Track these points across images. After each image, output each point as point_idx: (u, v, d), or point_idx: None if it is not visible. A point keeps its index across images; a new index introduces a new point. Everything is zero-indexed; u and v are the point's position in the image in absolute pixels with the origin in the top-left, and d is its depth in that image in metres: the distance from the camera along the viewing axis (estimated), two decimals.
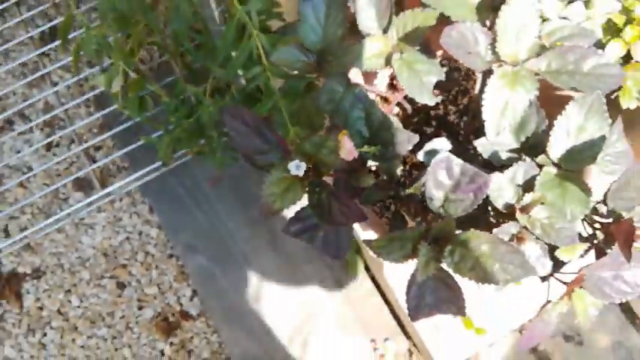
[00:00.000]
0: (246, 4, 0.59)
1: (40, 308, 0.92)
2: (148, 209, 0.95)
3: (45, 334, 0.91)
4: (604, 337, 0.88)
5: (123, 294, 0.92)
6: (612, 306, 0.90)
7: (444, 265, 0.47)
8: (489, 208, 0.49)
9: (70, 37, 0.82)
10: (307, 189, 0.45)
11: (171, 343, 0.90)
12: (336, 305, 0.88)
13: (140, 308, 0.91)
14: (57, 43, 0.96)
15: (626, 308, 0.90)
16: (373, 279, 0.90)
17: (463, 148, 0.56)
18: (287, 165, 0.45)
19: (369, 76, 0.62)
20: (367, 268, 0.90)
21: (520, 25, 0.48)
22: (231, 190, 0.92)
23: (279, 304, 0.88)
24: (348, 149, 0.43)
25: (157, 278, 0.92)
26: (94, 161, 0.96)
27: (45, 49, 0.95)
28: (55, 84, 1.00)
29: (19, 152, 0.98)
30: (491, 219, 0.51)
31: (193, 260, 0.91)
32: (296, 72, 0.52)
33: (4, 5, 1.00)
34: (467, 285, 0.49)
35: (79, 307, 0.92)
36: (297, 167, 0.45)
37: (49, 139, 0.94)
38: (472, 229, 0.47)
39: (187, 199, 0.92)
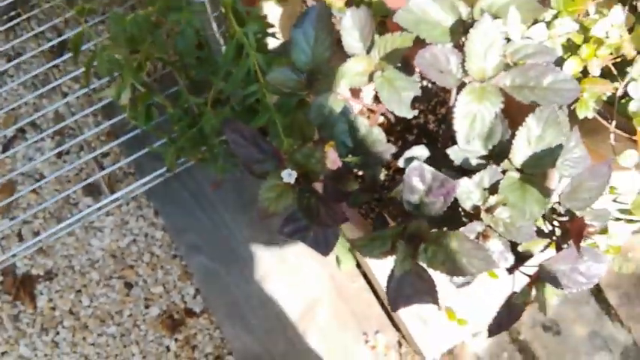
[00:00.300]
0: (244, 27, 0.65)
1: (53, 308, 0.98)
2: (153, 212, 1.01)
3: (58, 333, 0.97)
4: (581, 327, 0.95)
5: (130, 293, 0.98)
6: (588, 297, 0.96)
7: (419, 261, 0.53)
8: (460, 209, 0.55)
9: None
10: (298, 194, 0.51)
11: (177, 339, 0.96)
12: (331, 301, 0.95)
13: (147, 307, 0.97)
14: (66, 56, 1.02)
15: (601, 299, 0.96)
16: (365, 276, 0.96)
17: (441, 154, 0.62)
18: (280, 173, 0.51)
19: (357, 91, 0.68)
20: (359, 266, 0.97)
21: (487, 45, 0.55)
22: (232, 193, 0.98)
23: (278, 300, 0.94)
24: (332, 159, 0.49)
25: (162, 278, 0.98)
26: (102, 168, 1.02)
27: (55, 62, 1.01)
28: (65, 95, 1.06)
29: (31, 160, 1.04)
30: (463, 218, 0.57)
31: (196, 260, 0.97)
32: (289, 89, 0.58)
33: (17, 21, 1.07)
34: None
35: (89, 306, 0.98)
36: (289, 175, 0.51)
37: (59, 148, 1.00)
38: (444, 228, 0.54)
39: (190, 203, 0.99)
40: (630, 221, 0.63)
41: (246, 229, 0.97)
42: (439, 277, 0.54)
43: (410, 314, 0.89)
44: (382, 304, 0.95)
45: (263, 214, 0.52)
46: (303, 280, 0.95)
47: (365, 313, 0.94)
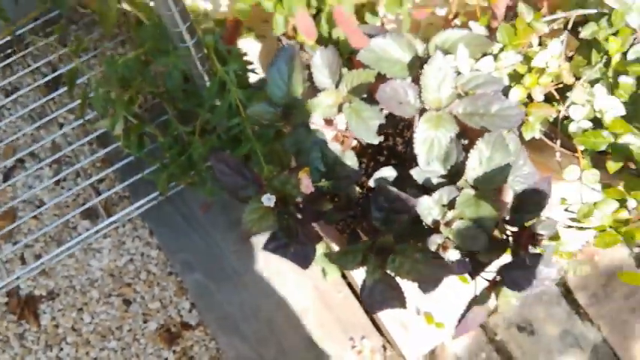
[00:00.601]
0: (225, 65, 0.72)
1: (56, 326, 1.04)
2: (148, 233, 1.07)
3: (61, 349, 1.03)
4: (553, 326, 1.01)
5: (129, 309, 1.04)
6: (559, 298, 1.03)
7: (388, 271, 0.60)
8: (423, 223, 0.62)
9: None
10: (277, 216, 0.57)
11: (174, 351, 1.02)
12: (318, 309, 1.01)
13: (145, 321, 1.03)
14: (61, 90, 1.08)
15: (571, 300, 1.03)
16: (350, 285, 1.03)
17: (408, 174, 0.69)
18: (261, 198, 0.58)
19: (330, 120, 0.75)
20: (344, 276, 1.03)
21: (440, 78, 0.62)
22: (221, 213, 1.04)
23: (268, 310, 1.01)
24: (306, 184, 0.56)
25: (158, 294, 1.04)
26: (99, 193, 1.08)
27: (51, 96, 1.07)
28: (61, 126, 1.12)
29: (31, 188, 1.10)
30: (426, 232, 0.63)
31: (190, 276, 1.03)
32: (267, 121, 0.65)
33: (13, 58, 1.13)
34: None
35: (90, 323, 1.03)
36: (269, 199, 0.58)
37: (57, 176, 1.06)
38: (411, 241, 0.60)
39: (183, 223, 1.05)
40: (581, 228, 0.70)
41: (235, 247, 1.04)
42: (414, 286, 0.61)
43: (391, 320, 0.96)
44: (367, 311, 1.01)
45: (246, 235, 0.59)
46: (292, 291, 1.02)
47: (351, 320, 1.01)
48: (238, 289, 1.02)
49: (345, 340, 1.00)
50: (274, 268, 1.02)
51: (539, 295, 1.03)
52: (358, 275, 0.99)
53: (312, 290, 1.02)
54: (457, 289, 0.82)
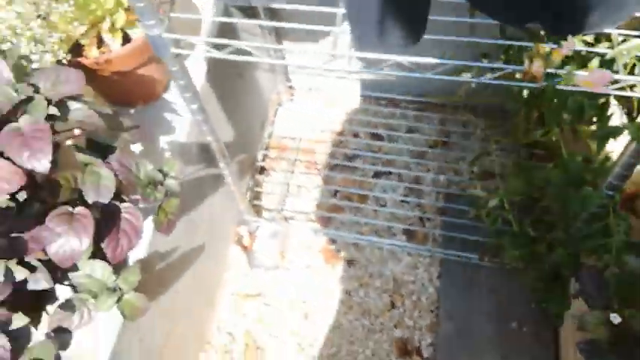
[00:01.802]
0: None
1: (340, 283, 1.39)
2: (437, 274, 1.36)
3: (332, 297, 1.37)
4: None
5: (390, 311, 1.33)
6: None
7: None
8: None
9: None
10: (614, 332, 0.78)
11: None
12: None
13: (395, 327, 1.31)
14: (441, 150, 1.47)
15: None
16: None
17: None
18: (610, 314, 0.80)
19: None
20: None
21: None
22: (500, 301, 1.27)
23: None
24: None
25: (416, 317, 1.31)
26: (424, 225, 1.42)
27: (433, 150, 1.47)
28: (428, 170, 1.50)
29: (385, 192, 1.50)
30: None
31: (446, 324, 1.27)
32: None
33: (428, 113, 1.57)
34: None
35: (360, 297, 1.36)
36: (615, 318, 0.79)
37: (404, 197, 1.43)
38: None
39: (465, 285, 1.31)
40: None
41: (494, 337, 1.24)
42: None
43: None
44: None
45: (579, 327, 0.81)
46: None
47: None
48: (473, 353, 1.22)
49: None
50: (503, 354, 1.21)
51: None
52: None
53: None
54: None
